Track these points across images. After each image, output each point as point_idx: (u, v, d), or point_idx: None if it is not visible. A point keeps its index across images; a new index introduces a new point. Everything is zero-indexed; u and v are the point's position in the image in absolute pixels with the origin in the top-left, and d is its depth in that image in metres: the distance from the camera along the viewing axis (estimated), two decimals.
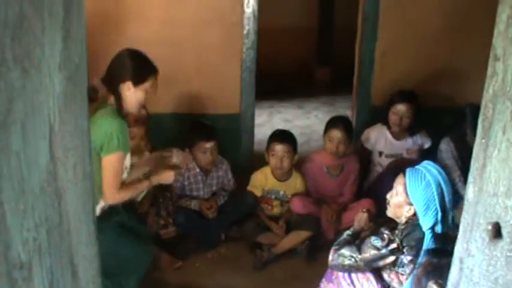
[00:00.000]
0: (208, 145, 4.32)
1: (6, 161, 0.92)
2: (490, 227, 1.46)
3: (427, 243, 2.77)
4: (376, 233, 3.02)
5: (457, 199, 4.23)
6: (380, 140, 4.76)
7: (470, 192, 1.59)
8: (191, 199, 4.36)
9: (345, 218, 4.36)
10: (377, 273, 3.02)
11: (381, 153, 4.76)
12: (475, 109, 4.56)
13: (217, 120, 4.77)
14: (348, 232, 3.27)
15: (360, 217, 3.29)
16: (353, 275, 3.07)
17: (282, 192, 4.44)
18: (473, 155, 1.58)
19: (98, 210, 3.11)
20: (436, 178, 2.80)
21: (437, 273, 2.48)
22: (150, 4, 4.71)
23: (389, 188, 3.07)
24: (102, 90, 3.21)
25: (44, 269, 1.11)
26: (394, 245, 2.87)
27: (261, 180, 4.46)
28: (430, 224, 2.77)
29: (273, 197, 4.45)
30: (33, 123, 1.01)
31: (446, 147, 4.65)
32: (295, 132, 4.73)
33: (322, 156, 4.58)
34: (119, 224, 3.34)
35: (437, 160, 4.68)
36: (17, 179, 0.97)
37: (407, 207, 2.90)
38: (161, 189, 4.31)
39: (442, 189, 2.78)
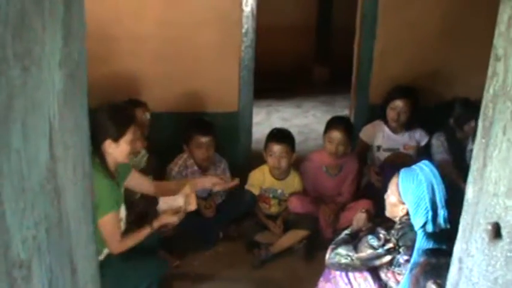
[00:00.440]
0: (204, 139, 4.32)
1: (6, 158, 0.92)
2: (489, 227, 1.46)
3: (420, 242, 2.78)
4: (373, 232, 3.03)
5: (457, 197, 4.27)
6: (378, 134, 4.78)
7: (470, 192, 1.59)
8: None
9: (343, 217, 4.36)
10: (374, 272, 3.03)
11: (379, 148, 4.78)
12: (461, 101, 4.62)
13: (216, 119, 4.77)
14: (346, 232, 3.28)
15: (358, 217, 3.30)
16: (350, 274, 3.07)
17: (279, 191, 4.44)
18: (474, 154, 1.58)
19: (103, 256, 3.26)
20: (428, 177, 2.81)
21: (435, 273, 2.48)
22: (148, 2, 4.70)
23: (387, 184, 3.09)
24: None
25: (44, 268, 1.10)
26: (390, 245, 2.88)
27: (259, 179, 4.46)
28: (421, 223, 2.78)
29: (270, 195, 4.45)
30: (34, 120, 1.01)
31: (437, 141, 4.72)
32: (293, 131, 4.73)
33: (321, 155, 4.58)
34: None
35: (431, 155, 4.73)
36: (17, 177, 0.96)
37: (401, 206, 2.92)
38: None
39: (433, 188, 2.78)
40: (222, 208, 4.40)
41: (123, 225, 3.40)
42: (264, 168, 4.49)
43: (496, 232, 1.45)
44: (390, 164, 4.53)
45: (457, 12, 4.93)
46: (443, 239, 2.77)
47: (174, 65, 4.86)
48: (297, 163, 4.62)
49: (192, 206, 3.60)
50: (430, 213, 2.76)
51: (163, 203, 3.57)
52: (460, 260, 1.66)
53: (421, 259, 2.68)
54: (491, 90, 1.48)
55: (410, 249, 2.84)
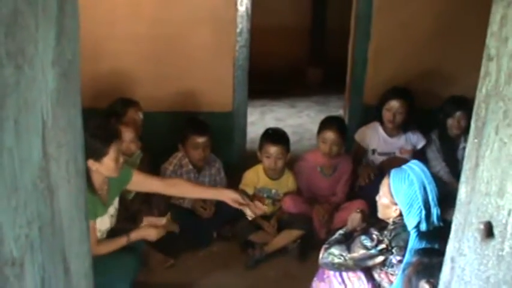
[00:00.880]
0: (201, 140, 4.32)
1: None
2: (482, 226, 1.47)
3: (412, 242, 2.78)
4: (366, 232, 3.04)
5: (450, 198, 4.28)
6: (373, 137, 4.77)
7: (462, 191, 1.60)
8: (183, 197, 4.35)
9: (337, 217, 4.37)
10: (368, 272, 3.03)
11: (374, 151, 4.77)
12: (457, 100, 4.63)
13: (210, 118, 4.76)
14: (341, 232, 3.28)
15: (353, 217, 3.30)
16: (344, 274, 3.08)
17: (274, 191, 4.44)
18: (466, 154, 1.58)
19: None
20: (419, 177, 2.81)
21: (428, 273, 2.48)
22: (142, 2, 4.70)
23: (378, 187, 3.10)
24: None
25: (36, 266, 1.10)
26: (383, 246, 2.88)
27: (253, 179, 4.46)
28: (415, 223, 2.78)
29: (265, 195, 4.45)
30: (26, 119, 1.01)
31: (431, 141, 4.73)
32: (288, 131, 4.73)
33: (315, 155, 4.59)
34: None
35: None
36: (9, 175, 0.96)
37: (394, 207, 2.92)
38: None
39: (425, 188, 2.78)
40: (216, 208, 4.39)
41: (99, 235, 3.38)
42: (258, 168, 4.49)
43: (488, 231, 1.46)
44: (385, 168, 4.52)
45: (451, 12, 4.94)
46: (436, 238, 2.78)
47: (168, 65, 4.86)
48: (291, 163, 4.62)
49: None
50: (423, 213, 2.76)
51: (147, 222, 3.59)
52: (453, 259, 1.66)
53: (414, 259, 2.69)
54: (483, 90, 1.49)
55: (403, 249, 2.85)
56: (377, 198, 3.08)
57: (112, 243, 3.38)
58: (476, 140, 1.53)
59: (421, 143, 4.82)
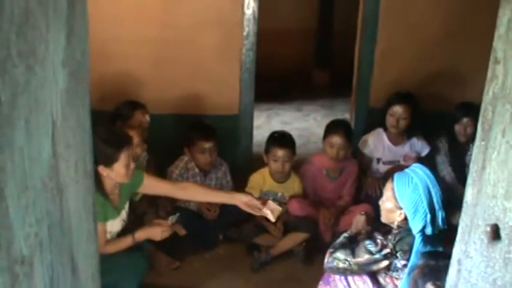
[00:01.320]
0: (207, 145, 4.32)
1: (10, 156, 0.93)
2: (488, 229, 1.47)
3: (417, 246, 2.78)
4: (370, 237, 3.04)
5: (456, 202, 4.27)
6: (378, 145, 4.75)
7: (469, 194, 1.60)
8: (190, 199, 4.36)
9: (343, 221, 4.36)
10: (373, 276, 3.03)
11: (378, 160, 4.76)
12: (465, 106, 4.61)
13: (216, 121, 4.77)
14: (345, 234, 3.28)
15: (357, 219, 3.30)
16: (349, 278, 3.08)
17: (279, 194, 4.45)
18: (473, 157, 1.59)
19: None
20: (423, 180, 2.80)
21: (434, 275, 2.48)
22: (149, 4, 4.71)
23: None
24: None
25: (45, 265, 1.11)
26: (387, 250, 2.88)
27: (259, 182, 4.46)
28: (420, 227, 2.78)
29: (270, 198, 4.44)
30: (37, 118, 1.02)
31: (439, 145, 4.71)
32: (294, 134, 4.73)
33: (322, 158, 4.59)
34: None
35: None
36: (19, 174, 0.97)
37: (398, 211, 2.91)
38: None
39: (429, 191, 2.78)
40: (222, 210, 4.39)
41: (109, 236, 3.40)
42: (264, 171, 4.49)
43: (495, 234, 1.46)
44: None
45: (459, 14, 4.93)
46: (440, 241, 2.78)
47: (175, 67, 4.86)
48: (297, 166, 4.62)
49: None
50: (428, 217, 2.76)
51: (159, 222, 3.60)
52: (459, 262, 1.66)
53: (420, 261, 2.69)
54: (490, 93, 1.49)
55: (407, 253, 2.85)
56: (380, 202, 3.08)
57: (118, 243, 3.40)
58: (483, 143, 1.53)
59: (425, 150, 4.79)
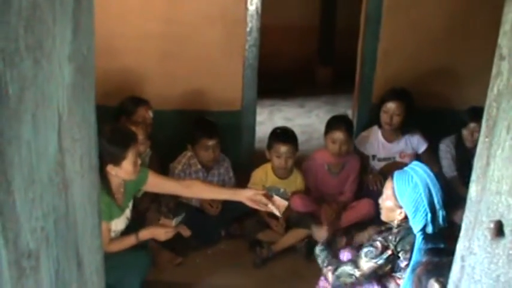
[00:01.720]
0: (211, 142, 4.33)
1: (17, 149, 0.93)
2: (492, 225, 1.47)
3: (419, 244, 2.77)
4: (368, 242, 3.01)
5: (458, 201, 4.27)
6: (373, 143, 4.76)
7: (473, 190, 1.60)
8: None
9: (345, 217, 4.38)
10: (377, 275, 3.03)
11: (374, 157, 4.77)
12: (473, 111, 4.56)
13: (219, 117, 4.78)
14: (319, 248, 3.27)
15: (317, 234, 3.34)
16: None
17: (282, 190, 4.45)
18: (477, 153, 1.59)
19: None
20: (423, 179, 2.78)
21: (438, 272, 2.48)
22: (153, 1, 4.72)
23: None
24: None
25: (51, 259, 1.11)
26: (389, 252, 2.87)
27: (262, 178, 4.47)
28: (421, 226, 2.76)
29: (273, 194, 4.45)
30: (44, 113, 1.02)
31: (445, 147, 4.68)
32: (296, 130, 4.74)
33: (323, 154, 4.59)
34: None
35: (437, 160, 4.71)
36: (27, 168, 0.97)
37: (398, 210, 2.89)
38: None
39: (430, 190, 2.75)
40: (224, 206, 4.40)
41: (113, 235, 3.42)
42: (267, 167, 4.50)
43: (499, 230, 1.46)
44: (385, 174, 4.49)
45: (462, 12, 4.92)
46: (441, 239, 2.77)
47: (178, 63, 4.87)
48: (299, 162, 4.63)
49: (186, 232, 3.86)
50: (429, 215, 2.74)
51: (163, 221, 3.61)
52: (463, 258, 1.66)
53: (423, 258, 2.69)
54: (495, 90, 1.49)
55: (409, 253, 2.84)
56: (380, 201, 3.07)
57: (121, 242, 3.42)
58: (487, 139, 1.53)
59: (422, 146, 4.78)
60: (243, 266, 4.09)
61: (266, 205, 3.38)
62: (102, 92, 4.47)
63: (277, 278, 3.99)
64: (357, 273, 2.93)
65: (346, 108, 7.30)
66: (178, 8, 4.74)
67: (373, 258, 2.88)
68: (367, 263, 2.90)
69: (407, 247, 2.84)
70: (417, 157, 4.75)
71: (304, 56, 9.37)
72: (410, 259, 2.81)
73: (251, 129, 5.21)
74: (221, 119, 4.77)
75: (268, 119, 7.42)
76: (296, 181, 4.51)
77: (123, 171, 3.28)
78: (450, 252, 1.84)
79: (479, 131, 4.74)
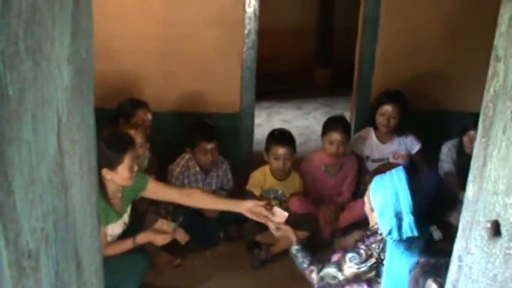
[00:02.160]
0: (210, 146, 4.33)
1: (17, 150, 0.94)
2: (489, 225, 1.48)
3: (391, 249, 2.76)
4: (353, 247, 3.01)
5: (455, 203, 4.28)
6: (366, 144, 4.78)
7: (470, 190, 1.61)
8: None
9: (343, 218, 4.39)
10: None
11: (367, 158, 4.78)
12: (473, 118, 4.54)
13: (217, 119, 4.78)
14: (296, 247, 3.29)
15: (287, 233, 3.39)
16: None
17: (280, 192, 4.46)
18: (474, 154, 1.60)
19: None
20: (394, 184, 2.76)
21: (435, 273, 2.49)
22: (151, 3, 4.73)
23: None
24: None
25: (51, 259, 1.12)
26: (373, 260, 2.87)
27: (260, 180, 4.47)
28: (386, 230, 2.75)
29: (271, 196, 4.46)
30: (43, 114, 1.03)
31: (447, 150, 4.68)
32: (294, 132, 4.74)
33: (321, 155, 4.61)
34: None
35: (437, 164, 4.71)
36: (27, 168, 0.98)
37: (373, 214, 2.90)
38: None
39: (398, 196, 2.74)
40: None
41: (110, 239, 3.42)
42: (265, 169, 4.50)
43: (495, 230, 1.47)
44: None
45: (459, 14, 4.94)
46: (414, 247, 2.74)
47: (176, 65, 4.88)
48: (297, 164, 4.63)
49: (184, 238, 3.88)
50: (393, 220, 2.72)
51: (161, 224, 3.60)
52: (460, 258, 1.67)
53: (421, 259, 2.69)
54: (491, 90, 1.50)
55: None
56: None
57: (118, 246, 3.41)
58: (483, 140, 1.54)
59: (416, 147, 4.80)
60: (242, 268, 4.08)
61: (266, 217, 3.35)
62: (100, 94, 4.47)
63: (276, 279, 3.99)
64: (340, 277, 2.94)
65: (344, 110, 7.31)
66: (177, 10, 4.75)
67: (357, 264, 2.89)
68: (350, 269, 2.90)
69: None
70: (411, 157, 4.77)
71: (302, 58, 9.39)
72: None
73: (249, 131, 5.22)
74: (219, 121, 4.78)
75: (266, 121, 7.43)
76: (294, 183, 4.51)
77: (118, 176, 3.26)
78: (447, 253, 1.85)
79: None
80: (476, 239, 1.57)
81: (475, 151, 1.60)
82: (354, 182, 4.66)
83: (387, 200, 2.73)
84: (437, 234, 3.58)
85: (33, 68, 0.97)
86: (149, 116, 4.37)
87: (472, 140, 4.41)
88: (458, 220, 1.74)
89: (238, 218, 4.34)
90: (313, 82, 9.38)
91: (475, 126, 4.35)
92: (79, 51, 1.20)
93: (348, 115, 5.70)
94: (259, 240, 4.29)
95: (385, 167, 4.52)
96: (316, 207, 4.41)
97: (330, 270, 3.00)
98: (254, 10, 4.80)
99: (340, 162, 4.58)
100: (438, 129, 4.98)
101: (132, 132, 3.81)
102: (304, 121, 7.63)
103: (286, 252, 4.22)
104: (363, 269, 2.87)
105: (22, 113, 0.94)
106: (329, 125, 4.53)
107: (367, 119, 5.14)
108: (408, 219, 2.69)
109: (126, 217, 3.55)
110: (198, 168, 4.42)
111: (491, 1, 2.36)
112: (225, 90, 5.01)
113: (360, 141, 4.82)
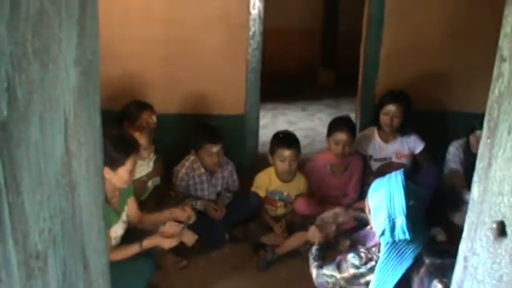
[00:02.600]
0: (215, 148, 4.33)
1: (25, 151, 0.95)
2: (494, 226, 1.48)
3: (384, 251, 2.76)
4: (354, 249, 3.03)
5: (460, 203, 4.28)
6: (369, 144, 4.78)
7: (475, 191, 1.61)
8: (196, 199, 4.38)
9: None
10: None
11: (370, 157, 4.79)
12: (479, 118, 4.53)
13: (222, 121, 4.80)
14: (316, 247, 3.31)
15: (311, 234, 3.34)
16: None
17: (285, 193, 4.46)
18: (479, 154, 1.60)
19: None
20: (390, 186, 2.77)
21: (440, 274, 2.49)
22: (156, 4, 4.74)
23: None
24: None
25: (58, 260, 1.13)
26: (372, 263, 2.87)
27: (265, 181, 4.48)
28: (380, 232, 2.75)
29: (276, 198, 4.47)
30: (51, 116, 1.04)
31: (454, 150, 4.67)
32: (299, 134, 4.75)
33: (326, 155, 4.61)
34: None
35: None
36: (35, 169, 0.99)
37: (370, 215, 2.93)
38: (166, 189, 4.34)
39: (392, 198, 2.74)
40: (228, 210, 4.41)
41: (114, 242, 3.45)
42: (270, 171, 4.51)
43: (501, 230, 1.47)
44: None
45: (464, 15, 4.94)
46: (410, 251, 2.74)
47: (181, 67, 4.89)
48: (301, 165, 4.63)
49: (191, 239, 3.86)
50: (386, 221, 2.72)
51: (169, 226, 3.63)
52: (465, 259, 1.68)
53: (427, 260, 2.69)
54: (496, 91, 1.51)
55: None
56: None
57: (125, 251, 3.42)
58: (489, 140, 1.54)
59: (419, 147, 4.79)
60: (247, 270, 4.08)
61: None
62: (105, 96, 4.50)
63: (281, 281, 3.99)
64: (338, 275, 2.95)
65: (349, 111, 7.30)
66: (181, 12, 4.77)
67: (357, 265, 2.90)
68: (350, 269, 2.92)
69: None
70: (414, 157, 4.77)
71: (307, 59, 9.40)
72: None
73: (254, 132, 5.23)
74: (224, 122, 4.79)
75: (271, 122, 7.43)
76: (299, 184, 4.52)
77: (117, 177, 3.32)
78: (453, 254, 1.85)
79: None
80: (481, 240, 1.57)
81: (480, 152, 1.61)
82: (360, 182, 4.66)
83: (382, 201, 2.75)
84: (441, 236, 3.59)
85: (40, 70, 0.97)
86: (154, 119, 4.38)
87: (479, 140, 4.40)
88: (463, 220, 1.74)
89: (244, 220, 4.37)
90: (317, 83, 9.39)
91: (482, 127, 4.36)
92: (85, 53, 1.20)
93: (353, 116, 5.70)
94: (264, 242, 4.29)
95: (388, 167, 4.53)
96: (321, 208, 4.40)
97: (329, 268, 3.03)
98: (259, 12, 4.81)
99: (346, 162, 4.58)
100: (441, 130, 4.98)
101: (136, 134, 3.83)
102: (309, 122, 7.63)
103: (291, 253, 4.24)
104: (362, 270, 2.88)
105: (30, 115, 0.95)
106: (335, 125, 4.53)
107: (372, 120, 5.14)
108: (401, 222, 2.69)
109: (124, 216, 3.59)
110: (203, 170, 4.43)
111: (496, 2, 2.36)
112: (230, 92, 5.02)
113: (364, 140, 4.83)
